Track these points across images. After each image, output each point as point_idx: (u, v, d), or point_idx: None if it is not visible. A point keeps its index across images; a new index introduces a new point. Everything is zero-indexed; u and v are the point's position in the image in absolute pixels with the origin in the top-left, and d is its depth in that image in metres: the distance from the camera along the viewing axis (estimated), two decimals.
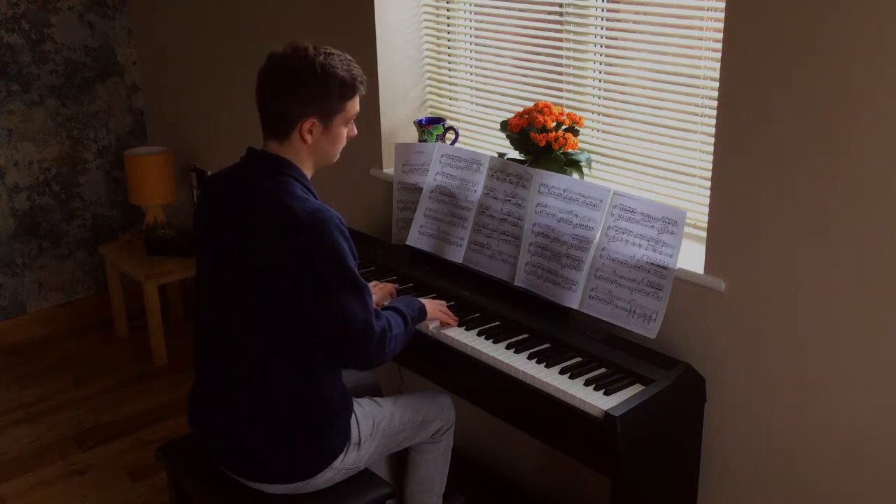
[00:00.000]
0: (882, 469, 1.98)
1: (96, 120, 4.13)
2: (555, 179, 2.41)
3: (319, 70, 1.95)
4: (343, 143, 2.09)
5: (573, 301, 2.31)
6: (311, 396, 2.07)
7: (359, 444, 2.16)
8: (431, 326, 2.31)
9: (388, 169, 2.98)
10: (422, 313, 2.25)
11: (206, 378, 2.17)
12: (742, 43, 1.97)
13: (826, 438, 2.05)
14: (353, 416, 2.17)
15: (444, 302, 2.40)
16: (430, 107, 3.06)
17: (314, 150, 2.04)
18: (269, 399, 2.06)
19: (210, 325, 2.13)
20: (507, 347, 2.23)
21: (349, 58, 2.03)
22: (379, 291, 2.44)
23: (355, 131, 2.12)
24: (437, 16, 2.94)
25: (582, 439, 2.04)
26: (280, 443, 2.06)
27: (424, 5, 2.95)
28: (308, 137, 2.00)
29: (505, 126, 2.62)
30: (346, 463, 2.15)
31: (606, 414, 1.94)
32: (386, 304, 2.26)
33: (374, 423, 2.21)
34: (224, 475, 2.19)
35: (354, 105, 2.05)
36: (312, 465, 2.10)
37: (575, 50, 2.56)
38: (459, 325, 2.33)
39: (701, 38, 2.23)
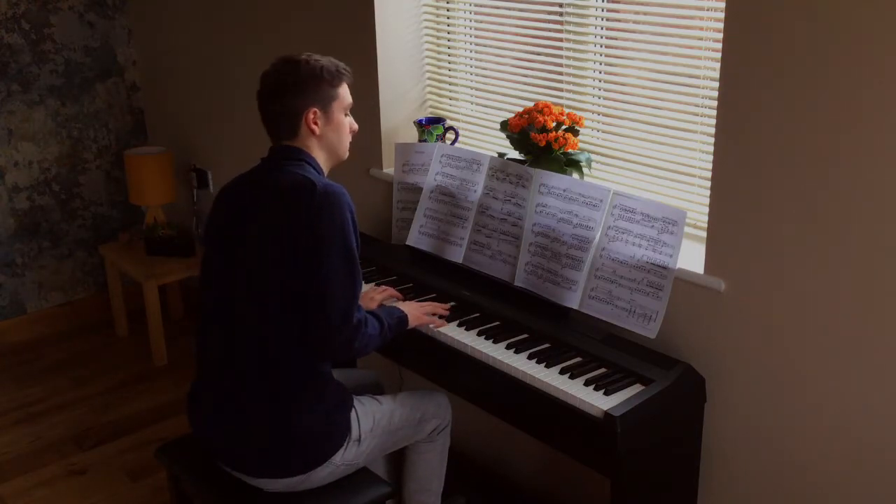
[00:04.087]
0: (881, 469, 1.98)
1: (96, 120, 4.13)
2: (555, 179, 2.41)
3: (306, 65, 2.13)
4: (347, 133, 2.22)
5: (573, 301, 2.31)
6: (311, 390, 2.10)
7: (359, 440, 2.17)
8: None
9: (388, 169, 2.98)
10: (402, 322, 2.24)
11: (208, 374, 2.19)
12: (742, 43, 1.97)
13: (825, 438, 2.05)
14: (353, 412, 2.18)
15: (427, 303, 2.39)
16: (430, 107, 3.06)
17: (323, 142, 2.17)
18: (268, 393, 2.08)
19: (214, 321, 2.16)
20: (507, 347, 2.23)
21: (329, 56, 2.19)
22: (378, 296, 2.45)
23: (356, 126, 2.25)
24: (437, 16, 2.94)
25: (582, 439, 2.04)
26: (280, 437, 2.08)
27: (424, 5, 2.95)
28: (315, 128, 2.14)
29: (505, 126, 2.62)
30: (346, 459, 2.16)
31: (606, 414, 1.94)
32: (373, 308, 2.29)
33: (374, 420, 2.22)
34: (224, 474, 2.19)
35: (346, 93, 2.19)
36: (312, 458, 2.11)
37: (575, 50, 2.56)
38: (459, 325, 2.33)
39: (701, 38, 2.23)
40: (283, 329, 2.06)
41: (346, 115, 2.20)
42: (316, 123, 2.13)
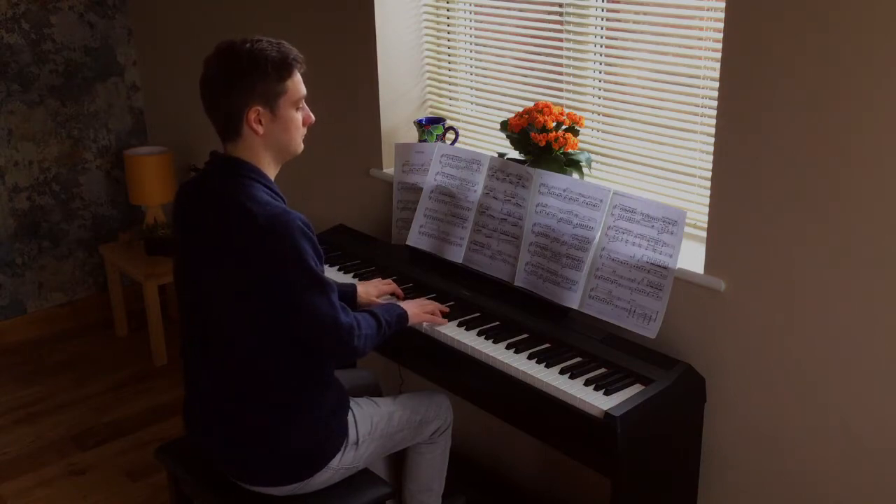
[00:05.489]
0: (881, 469, 1.98)
1: (96, 120, 4.13)
2: (555, 179, 2.41)
3: (249, 57, 1.93)
4: (299, 129, 2.04)
5: (573, 301, 2.31)
6: (303, 397, 2.07)
7: (357, 443, 2.16)
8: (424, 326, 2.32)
9: (388, 169, 2.98)
10: (402, 319, 2.22)
11: (197, 386, 2.16)
12: (742, 43, 1.97)
13: (825, 438, 2.06)
14: (350, 416, 2.17)
15: (428, 301, 2.38)
16: (430, 107, 3.06)
17: (269, 142, 2.00)
18: (260, 403, 2.06)
19: (192, 332, 2.13)
20: (507, 347, 2.23)
21: (280, 41, 2.00)
22: (383, 286, 2.45)
23: (312, 117, 2.07)
24: (437, 16, 2.94)
25: (582, 439, 2.03)
26: (276, 446, 2.06)
27: (424, 5, 2.95)
28: (258, 128, 1.97)
29: (505, 126, 2.62)
30: (344, 462, 2.15)
31: (606, 414, 1.94)
32: (374, 305, 2.28)
33: (372, 424, 2.20)
34: (224, 475, 2.18)
35: (297, 85, 1.99)
36: (310, 466, 2.10)
37: (575, 50, 2.56)
38: (459, 326, 2.33)
39: (701, 38, 2.23)
40: (265, 342, 2.02)
41: (297, 109, 2.01)
42: (259, 123, 1.96)
